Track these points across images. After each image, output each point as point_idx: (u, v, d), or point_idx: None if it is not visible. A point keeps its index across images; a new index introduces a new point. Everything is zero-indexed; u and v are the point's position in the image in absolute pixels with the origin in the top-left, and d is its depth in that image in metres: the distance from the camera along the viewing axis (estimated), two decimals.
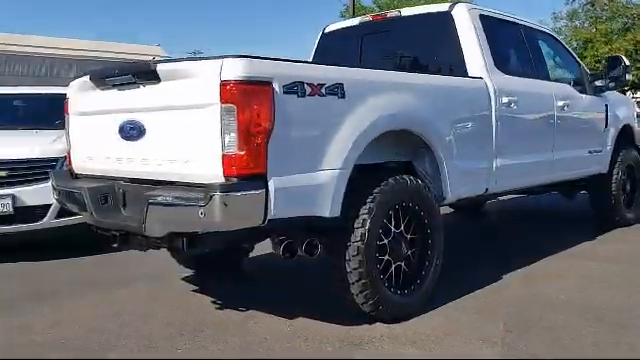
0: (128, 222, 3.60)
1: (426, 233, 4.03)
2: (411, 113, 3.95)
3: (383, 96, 3.74)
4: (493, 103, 4.69)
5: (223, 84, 3.07)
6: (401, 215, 3.88)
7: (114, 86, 3.71)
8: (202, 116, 3.18)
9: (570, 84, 5.98)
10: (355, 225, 3.58)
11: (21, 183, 5.71)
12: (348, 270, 3.60)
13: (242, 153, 3.07)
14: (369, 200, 3.64)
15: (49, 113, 7.32)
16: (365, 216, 3.60)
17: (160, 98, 3.43)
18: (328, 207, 3.41)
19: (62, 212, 5.71)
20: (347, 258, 3.59)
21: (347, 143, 3.48)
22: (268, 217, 3.16)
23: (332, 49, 5.70)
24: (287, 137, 3.22)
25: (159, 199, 3.27)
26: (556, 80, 5.78)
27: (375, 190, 3.68)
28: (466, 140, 4.37)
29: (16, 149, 5.92)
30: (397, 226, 3.86)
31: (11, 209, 5.60)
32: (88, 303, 4.37)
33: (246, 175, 3.10)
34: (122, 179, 3.83)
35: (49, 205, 5.72)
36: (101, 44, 32.70)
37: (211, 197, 3.03)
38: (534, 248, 5.78)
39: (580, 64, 6.37)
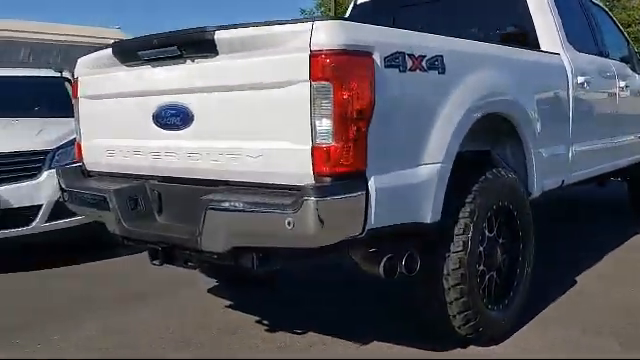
0: (174, 233, 2.85)
1: (518, 236, 3.39)
2: (506, 92, 3.29)
3: (480, 72, 3.08)
4: (570, 83, 4.08)
5: (314, 55, 2.35)
6: (494, 216, 3.23)
7: (148, 61, 2.94)
8: (282, 98, 2.46)
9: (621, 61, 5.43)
10: (456, 232, 2.92)
11: (5, 181, 4.84)
12: (446, 287, 2.93)
13: (339, 145, 2.36)
14: (468, 200, 2.97)
15: (27, 99, 6.48)
16: (467, 220, 2.93)
17: (217, 75, 2.69)
18: (429, 211, 2.73)
19: (54, 214, 4.91)
20: (446, 272, 2.92)
21: (448, 131, 2.81)
22: (367, 226, 2.46)
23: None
24: (387, 124, 2.53)
25: (225, 204, 2.54)
26: (613, 58, 5.20)
27: (474, 188, 3.02)
28: (548, 125, 3.74)
29: None
30: (490, 229, 3.21)
31: None
32: (97, 329, 3.58)
33: (343, 173, 2.40)
34: (157, 177, 3.08)
35: (39, 206, 4.91)
36: (55, 26, 31.01)
37: (303, 203, 2.31)
38: (584, 241, 5.31)
39: (629, 41, 5.82)
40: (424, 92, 2.72)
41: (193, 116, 2.80)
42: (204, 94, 2.76)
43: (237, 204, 2.50)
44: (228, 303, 3.93)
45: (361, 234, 2.47)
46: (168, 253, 2.91)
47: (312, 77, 2.35)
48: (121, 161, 3.22)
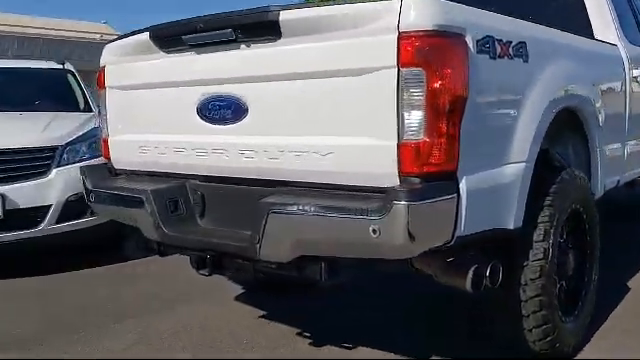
0: (226, 240, 2.53)
1: (585, 241, 3.12)
2: (579, 85, 3.02)
3: (558, 62, 2.80)
4: (627, 76, 3.82)
5: (404, 37, 2.05)
6: (567, 221, 2.95)
7: (193, 47, 2.62)
8: (360, 87, 2.16)
9: None
10: (535, 238, 2.63)
11: (11, 180, 4.48)
12: (523, 299, 2.65)
13: (430, 140, 2.07)
14: (547, 204, 2.69)
15: (28, 92, 6.11)
16: (546, 225, 2.65)
17: (279, 62, 2.38)
18: (513, 216, 2.45)
19: (64, 215, 4.57)
20: (523, 282, 2.64)
21: (532, 126, 2.53)
22: (456, 234, 2.17)
23: None
24: (478, 117, 2.24)
25: (291, 208, 2.23)
26: None
27: (551, 190, 2.73)
28: (609, 120, 3.47)
29: (2, 137, 4.67)
30: (561, 234, 2.93)
31: (0, 213, 4.37)
32: (132, 339, 3.26)
33: (433, 173, 2.10)
34: (199, 177, 2.77)
35: (48, 207, 4.55)
36: (39, 20, 30.27)
37: (392, 207, 2.01)
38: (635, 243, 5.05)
39: None
40: (512, 82, 2.44)
41: (247, 108, 2.49)
42: (261, 83, 2.44)
43: (308, 208, 2.19)
44: (264, 311, 3.61)
45: (449, 243, 2.18)
46: (217, 262, 2.60)
47: (401, 63, 2.05)
48: (157, 158, 2.90)
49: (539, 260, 2.62)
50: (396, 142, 2.08)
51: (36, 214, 4.53)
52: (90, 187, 3.06)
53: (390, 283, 3.79)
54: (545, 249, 2.63)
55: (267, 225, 2.29)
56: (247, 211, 2.44)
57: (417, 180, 2.08)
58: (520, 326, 2.71)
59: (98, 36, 30.07)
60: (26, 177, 4.52)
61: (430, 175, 2.09)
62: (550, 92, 2.64)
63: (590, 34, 3.85)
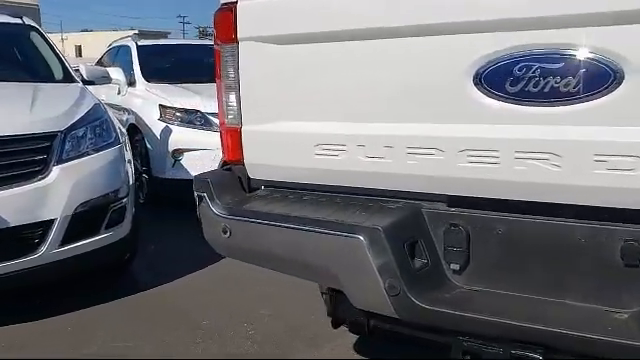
0: (583, 330, 1.32)
1: None
2: None
3: None
4: None
5: None
6: None
7: None
8: None
9: None
10: None
11: None
12: None
13: None
14: None
15: None
16: None
17: None
18: None
19: (72, 233, 3.16)
20: None
21: None
22: None
23: None
24: None
25: None
26: None
27: None
28: None
29: None
30: None
31: None
32: None
33: None
34: (453, 200, 1.55)
35: (49, 222, 3.08)
36: None
37: None
38: None
39: None
40: None
41: (621, 75, 1.28)
42: None
43: None
44: None
45: None
46: None
47: None
48: (359, 166, 1.63)
49: None
50: None
51: (33, 234, 3.06)
52: (225, 213, 1.72)
53: None
54: None
55: None
56: (609, 268, 1.27)
57: None
58: None
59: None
60: (15, 180, 3.03)
61: None
62: None
63: None
